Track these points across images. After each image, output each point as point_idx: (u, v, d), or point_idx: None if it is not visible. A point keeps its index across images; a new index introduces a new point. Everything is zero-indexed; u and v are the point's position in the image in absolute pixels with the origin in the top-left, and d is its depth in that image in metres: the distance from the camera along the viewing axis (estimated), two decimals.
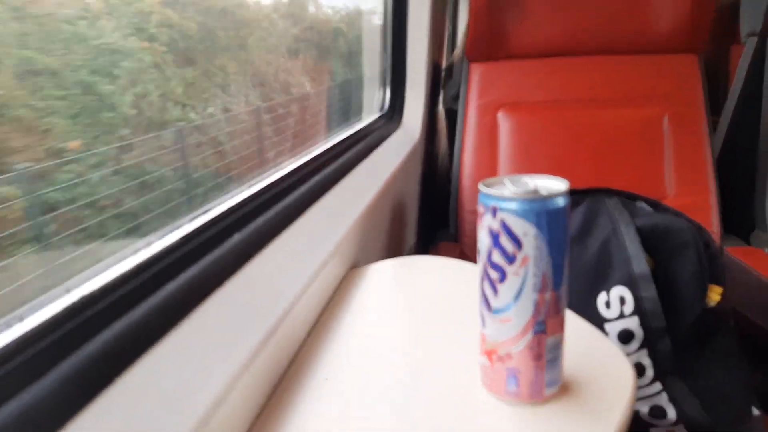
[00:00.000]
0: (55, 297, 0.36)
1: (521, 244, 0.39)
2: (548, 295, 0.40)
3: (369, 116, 1.26)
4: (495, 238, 0.39)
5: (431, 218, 1.38)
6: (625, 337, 0.69)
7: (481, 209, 0.40)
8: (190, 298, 0.42)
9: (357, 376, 0.47)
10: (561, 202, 0.39)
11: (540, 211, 0.38)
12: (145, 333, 0.37)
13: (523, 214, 0.38)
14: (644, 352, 0.69)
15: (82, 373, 0.32)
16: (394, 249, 0.98)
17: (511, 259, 0.39)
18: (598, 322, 0.70)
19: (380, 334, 0.54)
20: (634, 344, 0.68)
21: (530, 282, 0.39)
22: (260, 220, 0.58)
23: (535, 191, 0.39)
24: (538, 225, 0.38)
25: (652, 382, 0.69)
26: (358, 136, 1.04)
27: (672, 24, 1.21)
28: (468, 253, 1.22)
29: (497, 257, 0.40)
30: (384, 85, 1.31)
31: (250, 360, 0.40)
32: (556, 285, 0.40)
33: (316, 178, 0.76)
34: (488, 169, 1.24)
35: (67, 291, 0.37)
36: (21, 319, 0.33)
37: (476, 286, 0.43)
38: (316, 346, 0.51)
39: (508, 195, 0.39)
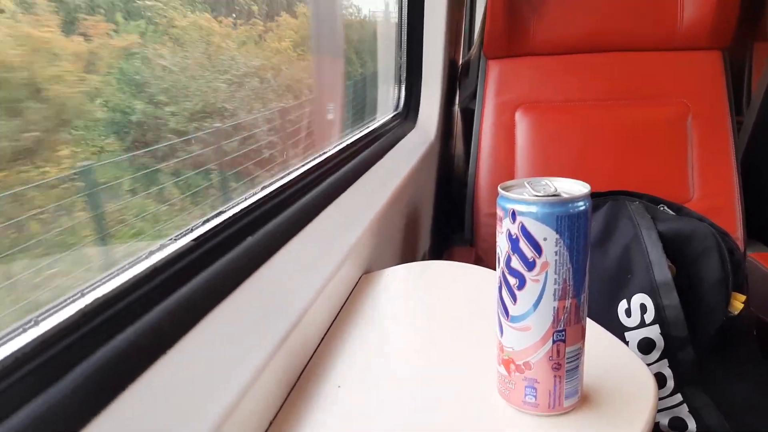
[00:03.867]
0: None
1: (541, 250, 0.38)
2: (568, 303, 0.39)
3: (383, 115, 1.25)
4: (514, 243, 0.38)
5: (446, 221, 1.37)
6: (645, 346, 0.67)
7: (500, 213, 0.39)
8: (203, 302, 0.42)
9: (370, 384, 0.46)
10: (582, 205, 0.38)
11: (561, 216, 0.37)
12: (158, 338, 0.37)
13: (543, 219, 0.37)
14: (665, 362, 0.67)
15: (97, 378, 0.32)
16: (407, 253, 0.97)
17: (530, 265, 0.38)
18: (618, 330, 0.68)
19: (394, 342, 0.53)
20: (655, 354, 0.67)
21: (550, 289, 0.38)
22: (273, 224, 0.57)
23: (556, 194, 0.38)
24: (558, 230, 0.37)
25: (673, 393, 0.67)
26: (372, 137, 1.03)
27: (695, 19, 1.18)
28: (484, 258, 1.20)
29: (516, 263, 0.39)
30: (399, 83, 1.29)
31: (263, 366, 0.39)
32: (577, 292, 0.39)
33: (330, 180, 0.75)
34: (505, 170, 1.22)
35: (83, 295, 0.36)
36: (37, 323, 0.33)
37: (492, 292, 0.42)
38: (329, 352, 0.50)
39: (528, 198, 0.38)
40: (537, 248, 0.38)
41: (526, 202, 0.38)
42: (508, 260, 0.39)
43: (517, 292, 0.39)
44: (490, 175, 1.23)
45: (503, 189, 0.39)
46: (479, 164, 1.25)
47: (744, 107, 1.44)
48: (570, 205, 0.37)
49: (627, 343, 0.68)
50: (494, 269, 0.42)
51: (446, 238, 1.32)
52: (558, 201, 0.37)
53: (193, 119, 0.90)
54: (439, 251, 1.29)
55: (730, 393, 0.69)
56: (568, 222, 0.37)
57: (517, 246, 0.38)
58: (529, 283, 0.38)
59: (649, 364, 0.67)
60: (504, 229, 0.39)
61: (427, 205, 1.21)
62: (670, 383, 0.67)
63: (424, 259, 1.13)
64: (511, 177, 1.19)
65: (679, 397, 0.67)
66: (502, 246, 0.39)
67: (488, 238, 1.22)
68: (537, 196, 0.38)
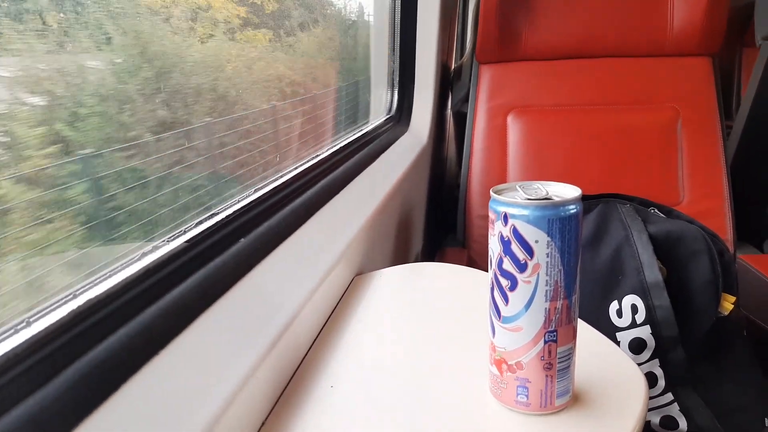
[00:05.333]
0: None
1: (533, 252, 0.38)
2: (560, 304, 0.39)
3: (376, 119, 1.25)
4: (506, 245, 0.39)
5: (438, 223, 1.37)
6: (636, 346, 0.68)
7: (492, 216, 0.40)
8: (195, 303, 0.42)
9: (363, 384, 0.46)
10: (573, 209, 0.38)
11: (552, 218, 0.37)
12: (150, 339, 0.37)
13: (534, 221, 0.38)
14: (656, 362, 0.67)
15: (89, 380, 0.32)
16: (400, 255, 0.98)
17: (522, 267, 0.38)
18: (610, 331, 0.69)
19: (386, 342, 0.53)
20: (646, 354, 0.67)
21: (541, 290, 0.39)
22: (266, 226, 0.57)
23: (548, 198, 0.39)
24: (549, 232, 0.37)
25: (664, 392, 0.68)
26: (365, 140, 1.03)
27: (685, 25, 1.20)
28: (475, 259, 1.21)
29: (508, 265, 0.39)
30: (391, 87, 1.30)
31: (255, 366, 0.39)
32: (568, 293, 0.39)
33: (323, 182, 0.75)
34: (497, 173, 1.23)
35: (75, 296, 0.36)
36: (29, 324, 0.33)
37: (484, 293, 0.42)
38: (322, 353, 0.50)
39: (520, 201, 0.38)
40: (529, 250, 0.38)
41: (518, 206, 0.38)
42: (500, 262, 0.39)
43: (509, 293, 0.39)
44: (482, 177, 1.24)
45: (495, 192, 0.40)
46: (471, 167, 1.25)
47: (733, 112, 1.46)
48: (561, 208, 0.38)
49: (618, 343, 0.68)
50: (486, 270, 0.42)
51: (438, 240, 1.33)
52: (549, 204, 0.38)
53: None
54: (431, 253, 1.29)
55: (720, 392, 0.69)
56: (559, 225, 0.38)
57: (509, 248, 0.39)
58: (520, 285, 0.39)
59: (640, 364, 0.67)
60: (496, 231, 0.39)
61: (420, 207, 1.22)
62: (661, 383, 0.68)
63: (416, 260, 1.14)
64: (503, 180, 1.20)
65: (670, 397, 0.67)
66: (494, 248, 0.40)
67: (480, 239, 1.22)
68: (529, 199, 0.38)
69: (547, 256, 0.38)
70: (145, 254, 0.43)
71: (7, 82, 0.45)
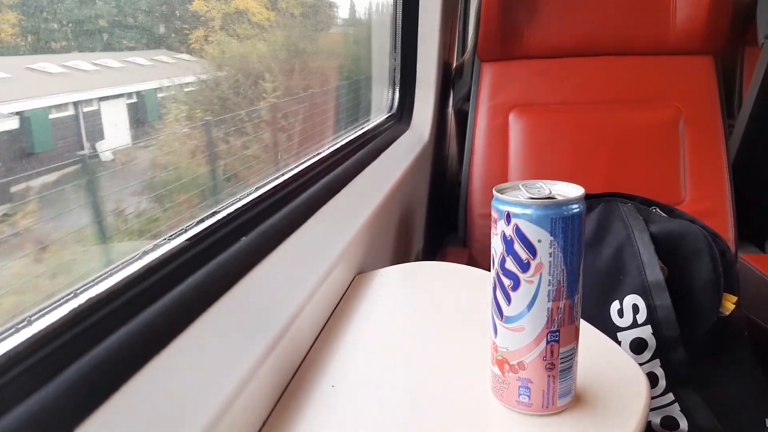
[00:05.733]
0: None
1: (535, 251, 0.38)
2: (562, 304, 0.39)
3: (377, 117, 1.25)
4: (508, 244, 0.39)
5: (439, 222, 1.37)
6: (637, 346, 0.67)
7: (494, 215, 0.40)
8: (196, 302, 0.42)
9: (364, 384, 0.46)
10: (576, 208, 0.38)
11: (555, 218, 0.37)
12: (151, 338, 0.36)
13: (537, 221, 0.37)
14: (657, 362, 0.67)
15: (90, 378, 0.32)
16: (401, 254, 0.98)
17: (524, 267, 0.38)
18: (611, 330, 0.69)
19: (387, 342, 0.53)
20: (647, 354, 0.67)
21: (544, 290, 0.38)
22: (267, 224, 0.57)
23: (551, 197, 0.39)
24: (552, 232, 0.37)
25: (665, 392, 0.68)
26: (366, 138, 1.03)
27: (688, 24, 1.19)
28: (477, 258, 1.21)
29: (510, 264, 0.39)
30: (393, 85, 1.30)
31: (256, 366, 0.39)
32: (571, 293, 0.39)
33: (324, 180, 0.75)
34: (499, 171, 1.22)
35: (76, 295, 0.36)
36: (30, 322, 0.33)
37: (486, 292, 0.42)
38: (323, 352, 0.50)
39: (523, 200, 0.38)
40: (531, 250, 0.38)
41: (521, 205, 0.38)
42: (503, 261, 0.39)
43: (511, 293, 0.39)
44: (484, 176, 1.24)
45: (498, 191, 0.40)
46: (473, 165, 1.25)
47: (735, 111, 1.45)
48: (564, 207, 0.38)
49: (619, 343, 0.68)
50: (487, 270, 0.42)
51: (439, 239, 1.33)
52: (552, 203, 0.38)
53: None
54: (432, 252, 1.29)
55: (721, 393, 0.69)
56: (562, 224, 0.37)
57: (512, 247, 0.38)
58: (523, 285, 0.39)
59: (641, 364, 0.67)
60: (498, 230, 0.39)
61: (421, 206, 1.21)
62: (662, 383, 0.67)
63: (417, 259, 1.13)
64: (505, 178, 1.20)
65: (670, 397, 0.67)
66: (497, 247, 0.40)
67: (481, 238, 1.22)
68: (532, 198, 0.38)
69: (550, 256, 0.38)
70: (146, 253, 0.43)
71: None
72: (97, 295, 0.37)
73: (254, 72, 0.90)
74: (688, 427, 0.67)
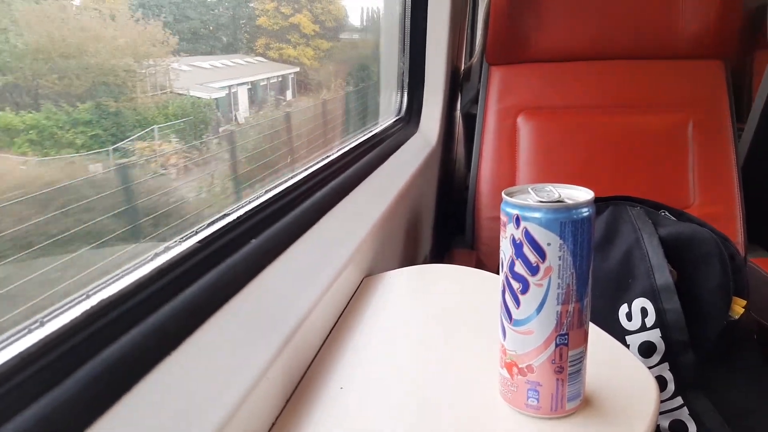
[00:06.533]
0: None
1: (545, 255, 0.38)
2: (571, 307, 0.39)
3: (385, 120, 1.26)
4: (518, 247, 0.39)
5: (447, 225, 1.37)
6: (646, 350, 0.67)
7: (503, 218, 0.40)
8: (207, 304, 0.42)
9: (372, 386, 0.46)
10: (586, 212, 0.38)
11: (564, 221, 0.37)
12: (163, 339, 0.37)
13: (547, 224, 0.37)
14: (665, 366, 0.67)
15: (101, 379, 0.32)
16: (409, 256, 0.98)
17: (534, 270, 0.38)
18: (619, 334, 0.69)
19: (396, 344, 0.53)
20: (656, 357, 0.67)
21: (553, 293, 0.38)
22: (277, 227, 0.57)
23: (560, 200, 0.39)
24: (562, 235, 0.37)
25: (673, 396, 0.67)
26: (374, 141, 1.04)
27: (697, 28, 1.19)
28: (484, 261, 1.21)
29: (520, 267, 0.39)
30: (401, 89, 1.30)
31: (266, 367, 0.40)
32: (580, 296, 0.39)
33: (333, 184, 0.75)
34: (507, 175, 1.22)
35: (88, 297, 0.37)
36: (42, 324, 0.33)
37: (494, 295, 0.42)
38: (332, 354, 0.51)
39: (532, 204, 0.38)
40: (541, 253, 0.38)
41: (530, 208, 0.38)
42: (512, 265, 0.39)
43: (520, 296, 0.39)
44: (492, 179, 1.24)
45: (507, 195, 0.40)
46: (480, 168, 1.25)
47: (745, 114, 1.44)
48: (574, 211, 0.38)
49: (628, 346, 0.68)
50: (495, 272, 0.42)
51: (447, 242, 1.33)
52: (562, 207, 0.38)
53: None
54: (440, 254, 1.29)
55: (730, 397, 0.69)
56: (571, 228, 0.37)
57: (521, 251, 0.38)
58: (532, 288, 0.39)
59: (649, 368, 0.67)
60: (508, 234, 0.39)
61: (429, 209, 1.21)
62: (671, 386, 0.67)
63: (425, 262, 1.13)
64: (513, 182, 1.20)
65: (679, 401, 0.67)
66: (506, 250, 0.40)
67: (489, 241, 1.22)
68: (541, 202, 0.38)
69: (560, 259, 0.38)
70: (157, 254, 0.44)
71: None
72: (109, 296, 0.37)
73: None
74: (697, 430, 0.66)
